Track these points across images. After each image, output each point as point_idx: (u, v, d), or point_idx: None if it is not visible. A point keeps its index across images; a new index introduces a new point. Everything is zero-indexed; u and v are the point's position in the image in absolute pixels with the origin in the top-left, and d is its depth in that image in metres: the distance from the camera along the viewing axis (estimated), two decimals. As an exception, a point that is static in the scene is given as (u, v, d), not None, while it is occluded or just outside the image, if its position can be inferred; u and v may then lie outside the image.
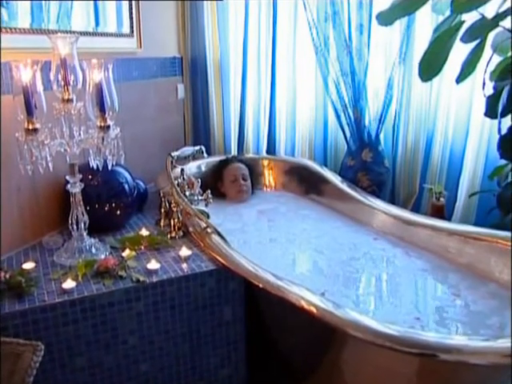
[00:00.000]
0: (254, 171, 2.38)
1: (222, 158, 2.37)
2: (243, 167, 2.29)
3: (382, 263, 1.69)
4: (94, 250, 1.56)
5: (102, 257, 1.54)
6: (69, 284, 1.36)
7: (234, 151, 2.58)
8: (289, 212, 2.16)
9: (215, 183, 2.26)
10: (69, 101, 1.39)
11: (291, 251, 1.79)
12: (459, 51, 1.51)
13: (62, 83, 1.38)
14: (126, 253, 1.55)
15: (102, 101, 1.40)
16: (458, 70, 1.52)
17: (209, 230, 1.68)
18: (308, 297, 1.27)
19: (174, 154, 1.81)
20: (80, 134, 1.44)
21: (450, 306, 1.43)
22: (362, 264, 1.68)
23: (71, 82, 1.38)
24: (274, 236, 1.92)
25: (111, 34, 1.99)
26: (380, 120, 2.25)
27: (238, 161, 2.32)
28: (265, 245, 1.84)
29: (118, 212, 1.76)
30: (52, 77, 1.39)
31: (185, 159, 1.99)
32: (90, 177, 1.70)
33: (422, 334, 1.17)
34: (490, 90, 1.54)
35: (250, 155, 2.52)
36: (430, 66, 1.41)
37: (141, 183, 1.99)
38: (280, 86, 2.49)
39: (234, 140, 2.58)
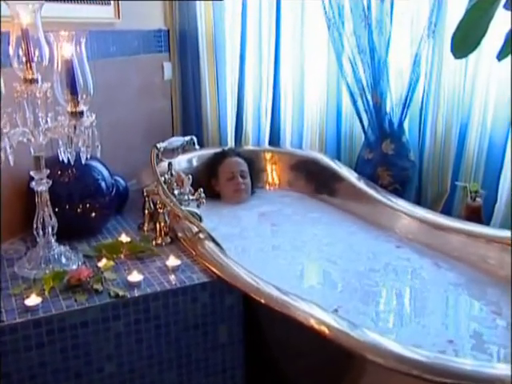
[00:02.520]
0: (255, 166, 2.37)
1: (217, 150, 2.36)
2: (242, 162, 2.28)
3: (406, 275, 1.69)
4: (63, 260, 1.55)
5: (74, 267, 1.53)
6: (33, 300, 1.34)
7: (230, 142, 2.57)
8: (295, 215, 2.15)
9: (209, 180, 2.25)
10: (32, 81, 1.37)
11: (298, 261, 1.78)
12: (502, 21, 1.48)
13: (24, 59, 1.35)
14: (103, 263, 1.54)
15: (74, 81, 1.38)
16: (500, 45, 1.49)
17: (201, 235, 1.67)
18: (319, 315, 1.27)
19: (160, 145, 1.80)
20: (47, 122, 1.42)
21: (490, 327, 1.41)
22: (383, 276, 1.68)
23: (35, 59, 1.36)
24: (278, 243, 1.91)
25: (83, 1, 1.97)
26: (404, 105, 2.23)
27: (236, 154, 2.31)
28: (267, 253, 1.84)
29: (93, 214, 1.76)
30: (11, 51, 1.36)
31: (173, 152, 1.98)
32: (59, 172, 1.69)
33: (457, 360, 1.15)
34: (538, 69, 1.52)
35: (250, 147, 2.51)
36: (466, 40, 1.38)
37: (120, 180, 1.98)
38: (285, 65, 2.47)
39: (231, 129, 2.57)
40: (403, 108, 2.24)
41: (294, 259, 1.79)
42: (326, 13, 2.24)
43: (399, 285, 1.63)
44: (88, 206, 1.73)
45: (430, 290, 1.60)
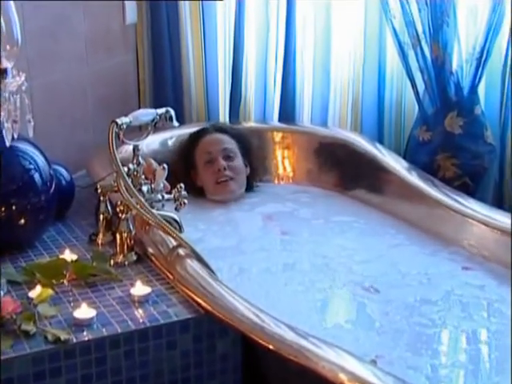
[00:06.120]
0: (258, 151, 2.38)
1: (197, 128, 2.36)
2: (225, 139, 2.29)
3: (478, 311, 1.69)
4: (-23, 288, 1.54)
5: (-6, 298, 1.52)
6: None
7: (223, 117, 2.57)
8: (316, 219, 2.16)
9: (187, 173, 2.26)
10: None
11: (320, 286, 1.79)
12: None
13: None
14: (37, 292, 1.53)
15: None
16: None
17: (181, 251, 1.68)
18: (352, 367, 1.27)
19: (122, 120, 1.78)
20: (-48, 85, 1.41)
21: None
22: (443, 312, 1.68)
23: None
24: (292, 260, 1.92)
25: None
26: (479, 61, 2.21)
27: (217, 130, 2.32)
28: (276, 275, 1.85)
29: (22, 221, 1.76)
30: None
31: (140, 130, 1.97)
32: (-29, 159, 1.69)
33: None
34: None
35: (251, 124, 2.52)
36: None
37: (62, 171, 1.99)
38: (303, 2, 2.46)
39: (224, 97, 2.57)
40: (478, 65, 2.22)
41: (313, 284, 1.79)
42: None
43: (468, 325, 1.62)
44: (14, 208, 1.74)
45: (515, 334, 1.59)
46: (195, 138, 2.31)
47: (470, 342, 1.60)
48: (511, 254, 1.74)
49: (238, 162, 2.27)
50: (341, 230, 2.08)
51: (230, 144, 2.28)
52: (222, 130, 2.33)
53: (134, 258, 1.73)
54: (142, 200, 1.71)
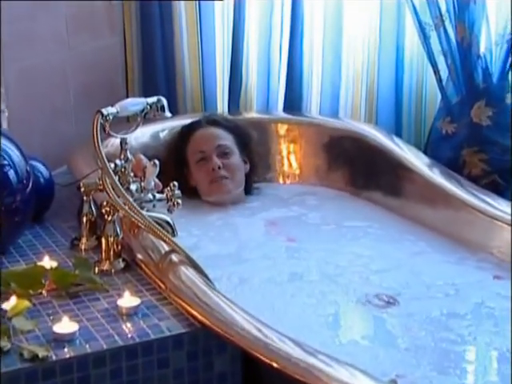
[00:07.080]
0: (261, 145, 2.38)
1: (189, 121, 2.36)
2: (220, 134, 2.29)
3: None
4: None
5: (-37, 311, 1.52)
6: None
7: (221, 107, 2.57)
8: (326, 224, 2.17)
9: (179, 171, 2.26)
10: None
11: (332, 299, 1.80)
12: None
13: None
14: (12, 303, 1.53)
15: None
16: None
17: (175, 257, 1.67)
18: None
19: (108, 110, 1.79)
20: None
21: None
22: (472, 326, 1.68)
23: None
24: (299, 269, 1.93)
25: None
26: (510, 44, 2.21)
27: (210, 123, 2.32)
28: (281, 286, 1.86)
29: (-4, 223, 1.75)
30: None
31: (128, 121, 1.99)
32: None
33: None
34: None
35: (253, 115, 2.52)
36: None
37: (41, 167, 1.99)
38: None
39: (222, 85, 2.57)
40: (509, 48, 2.22)
41: (324, 296, 1.79)
42: None
43: (501, 341, 1.61)
44: (-14, 209, 1.74)
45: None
46: (186, 133, 2.31)
47: (503, 360, 1.57)
48: (511, 252, 1.79)
49: (235, 158, 2.28)
50: (354, 237, 2.08)
51: (226, 139, 2.28)
52: (215, 123, 2.33)
53: (122, 265, 1.73)
54: (131, 200, 1.71)
